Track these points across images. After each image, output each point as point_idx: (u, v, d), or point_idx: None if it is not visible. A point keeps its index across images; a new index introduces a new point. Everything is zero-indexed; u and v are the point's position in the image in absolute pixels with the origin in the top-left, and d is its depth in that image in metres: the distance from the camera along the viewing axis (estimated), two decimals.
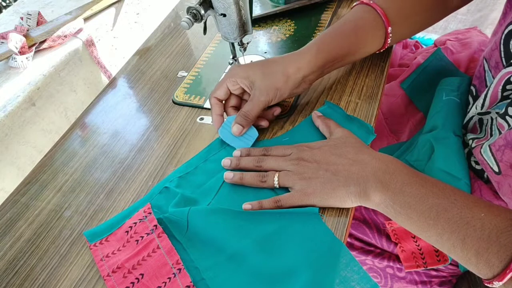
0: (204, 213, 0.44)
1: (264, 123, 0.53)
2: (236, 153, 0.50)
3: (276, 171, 0.46)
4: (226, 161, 0.50)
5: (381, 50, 0.57)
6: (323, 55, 0.51)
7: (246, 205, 0.45)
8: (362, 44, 0.54)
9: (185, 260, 0.42)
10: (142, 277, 0.41)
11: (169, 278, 0.41)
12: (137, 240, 0.44)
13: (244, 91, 0.52)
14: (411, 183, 0.40)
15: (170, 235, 0.44)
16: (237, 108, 0.54)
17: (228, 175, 0.47)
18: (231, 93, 0.53)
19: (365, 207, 0.59)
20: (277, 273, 0.40)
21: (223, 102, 0.53)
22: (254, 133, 0.52)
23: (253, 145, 0.52)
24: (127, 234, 0.45)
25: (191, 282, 0.40)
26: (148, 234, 0.44)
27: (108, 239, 0.45)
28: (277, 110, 0.54)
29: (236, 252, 0.42)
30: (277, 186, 0.46)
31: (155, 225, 0.44)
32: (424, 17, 0.57)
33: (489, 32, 0.68)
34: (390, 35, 0.54)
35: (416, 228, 0.39)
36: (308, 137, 0.51)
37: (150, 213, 0.45)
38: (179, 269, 0.41)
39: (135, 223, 0.45)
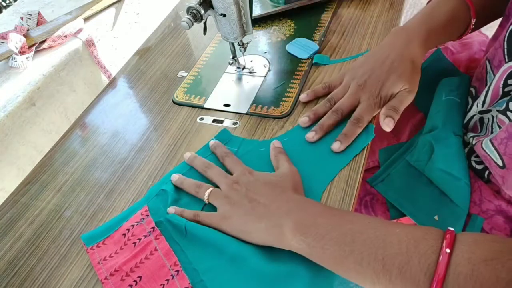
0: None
1: None
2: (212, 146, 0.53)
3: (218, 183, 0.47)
4: (187, 154, 0.52)
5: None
6: (428, 45, 0.55)
7: (170, 209, 0.46)
8: (453, 36, 0.59)
9: (184, 261, 0.42)
10: (140, 280, 0.41)
11: (167, 280, 0.41)
12: (135, 243, 0.44)
13: None
14: (323, 215, 0.39)
15: (168, 237, 0.44)
16: None
17: (174, 177, 0.49)
18: None
19: (365, 207, 0.59)
20: (277, 275, 0.40)
21: None
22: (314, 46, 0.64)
23: (241, 147, 0.52)
24: (124, 236, 0.45)
25: (189, 283, 0.40)
26: (145, 236, 0.44)
27: (105, 242, 0.45)
28: None
29: (235, 254, 0.41)
30: (206, 202, 0.46)
31: (153, 227, 0.44)
32: (486, 16, 0.59)
33: (489, 33, 0.68)
34: (472, 26, 0.57)
35: (333, 260, 0.36)
36: (305, 140, 0.51)
37: (147, 215, 0.45)
38: (177, 271, 0.41)
39: (132, 225, 0.45)
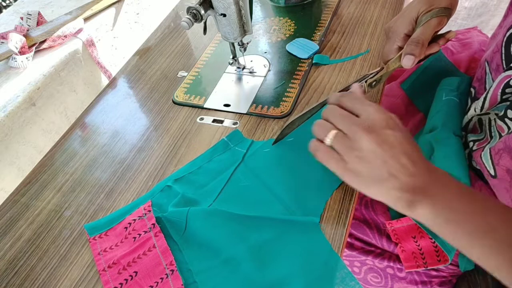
0: (203, 214, 0.44)
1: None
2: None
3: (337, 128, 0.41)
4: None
5: None
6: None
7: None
8: None
9: (179, 261, 0.42)
10: (135, 275, 0.41)
11: (162, 278, 0.41)
12: (135, 237, 0.44)
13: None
14: (459, 200, 0.37)
15: (167, 235, 0.44)
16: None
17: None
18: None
19: (365, 207, 0.59)
20: (270, 281, 0.40)
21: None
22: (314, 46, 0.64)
23: (251, 149, 0.52)
24: (126, 230, 0.45)
25: (182, 284, 0.40)
26: (145, 232, 0.44)
27: (107, 233, 0.45)
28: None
29: (230, 257, 0.42)
30: (329, 143, 0.40)
31: (153, 224, 0.45)
32: None
33: (489, 34, 0.68)
34: None
35: (460, 244, 0.37)
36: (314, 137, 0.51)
37: (150, 211, 0.46)
38: (172, 270, 0.41)
39: (135, 220, 0.46)
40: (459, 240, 0.37)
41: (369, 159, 0.38)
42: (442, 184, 0.38)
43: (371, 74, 0.54)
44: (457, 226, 0.36)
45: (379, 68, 0.54)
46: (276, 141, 0.51)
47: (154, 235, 0.44)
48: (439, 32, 0.56)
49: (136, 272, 0.41)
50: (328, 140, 0.40)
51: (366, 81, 0.53)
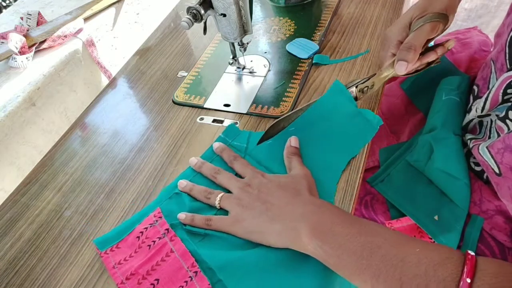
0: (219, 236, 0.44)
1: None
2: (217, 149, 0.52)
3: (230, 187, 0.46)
4: (193, 160, 0.51)
5: None
6: None
7: (181, 215, 0.45)
8: None
9: (201, 262, 0.41)
10: (157, 283, 0.40)
11: (186, 281, 0.40)
12: (149, 245, 0.43)
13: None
14: (341, 223, 0.38)
15: (182, 238, 0.43)
16: None
17: (181, 183, 0.48)
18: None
19: (365, 207, 0.59)
20: (292, 269, 0.40)
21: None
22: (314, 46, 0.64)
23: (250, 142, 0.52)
24: (139, 239, 0.44)
25: (209, 284, 0.39)
26: (160, 238, 0.43)
27: (118, 245, 0.44)
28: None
29: (251, 251, 0.41)
30: (218, 207, 0.46)
31: (167, 229, 0.44)
32: None
33: (489, 34, 0.68)
34: None
35: (349, 271, 0.36)
36: (313, 128, 0.51)
37: (160, 217, 0.45)
38: (196, 272, 0.40)
39: (146, 228, 0.45)
40: (348, 266, 0.36)
41: (249, 205, 0.43)
42: (322, 211, 0.39)
43: (363, 79, 0.53)
44: (342, 248, 0.36)
45: (371, 74, 0.54)
46: (260, 142, 0.52)
47: (170, 239, 0.43)
48: (438, 38, 0.56)
49: (157, 280, 0.40)
50: (217, 204, 0.46)
51: (356, 86, 0.53)
